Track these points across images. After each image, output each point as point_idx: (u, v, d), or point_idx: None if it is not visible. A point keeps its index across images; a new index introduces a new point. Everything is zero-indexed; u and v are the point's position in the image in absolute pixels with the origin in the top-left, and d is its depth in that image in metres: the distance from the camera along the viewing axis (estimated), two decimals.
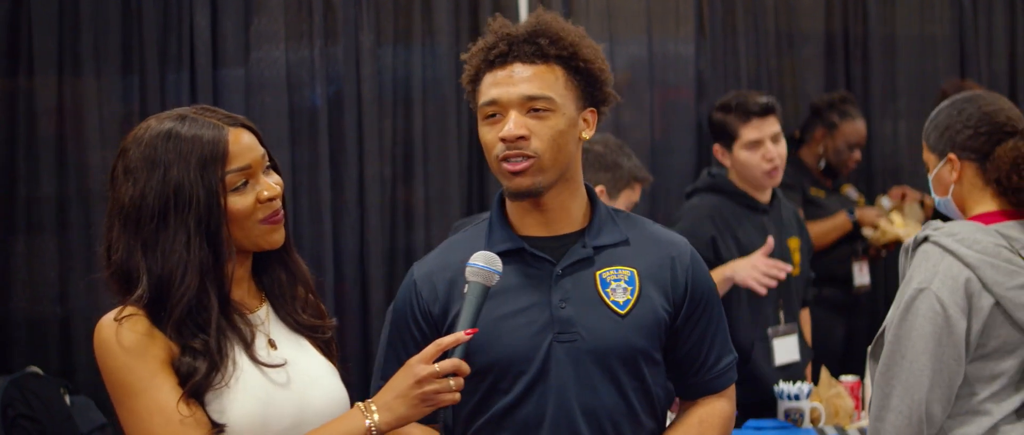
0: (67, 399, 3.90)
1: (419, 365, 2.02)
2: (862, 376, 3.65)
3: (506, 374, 2.25)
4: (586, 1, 4.91)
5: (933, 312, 2.51)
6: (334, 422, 2.06)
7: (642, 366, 2.28)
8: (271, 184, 2.07)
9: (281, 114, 4.41)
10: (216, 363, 1.97)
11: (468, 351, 2.06)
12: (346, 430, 2.02)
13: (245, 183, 2.04)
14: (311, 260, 3.45)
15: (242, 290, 2.11)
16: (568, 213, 2.31)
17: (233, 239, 2.04)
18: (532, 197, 2.25)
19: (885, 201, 5.19)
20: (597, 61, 2.29)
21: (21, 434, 3.73)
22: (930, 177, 2.75)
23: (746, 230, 3.85)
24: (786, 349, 3.85)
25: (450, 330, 2.17)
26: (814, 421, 3.58)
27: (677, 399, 2.45)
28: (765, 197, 3.93)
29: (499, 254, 2.18)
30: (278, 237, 2.10)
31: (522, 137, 2.20)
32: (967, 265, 2.53)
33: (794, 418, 3.55)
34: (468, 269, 2.12)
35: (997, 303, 2.52)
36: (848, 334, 5.05)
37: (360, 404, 2.06)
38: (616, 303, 2.26)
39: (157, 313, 1.98)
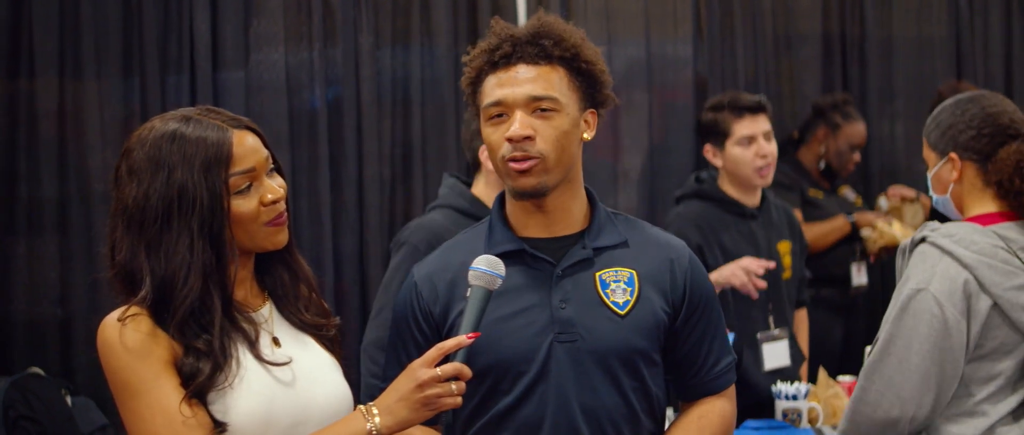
0: (68, 400, 3.90)
1: (421, 369, 2.02)
2: None
3: (507, 375, 2.25)
4: (584, 3, 4.92)
5: (931, 313, 2.51)
6: (335, 425, 2.05)
7: (642, 367, 2.28)
8: (275, 187, 2.07)
9: (280, 116, 4.42)
10: (219, 363, 1.97)
11: (469, 353, 2.06)
12: (347, 433, 2.01)
13: (249, 186, 2.03)
14: (311, 261, 3.42)
15: (245, 290, 2.11)
16: (569, 214, 2.32)
17: (236, 241, 2.03)
18: (537, 197, 2.26)
19: (883, 202, 5.20)
20: (598, 63, 2.31)
21: None
22: (929, 175, 2.74)
23: (732, 237, 3.83)
24: (776, 354, 3.83)
25: (452, 332, 2.18)
26: (812, 421, 3.59)
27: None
28: (754, 201, 3.90)
29: (499, 255, 2.18)
30: (282, 238, 2.10)
31: (528, 137, 2.22)
32: (965, 266, 2.53)
33: (792, 418, 3.56)
34: (471, 273, 2.12)
35: (995, 304, 2.52)
36: (846, 335, 5.05)
37: (362, 407, 2.05)
38: (616, 304, 2.27)
39: (161, 314, 1.97)
